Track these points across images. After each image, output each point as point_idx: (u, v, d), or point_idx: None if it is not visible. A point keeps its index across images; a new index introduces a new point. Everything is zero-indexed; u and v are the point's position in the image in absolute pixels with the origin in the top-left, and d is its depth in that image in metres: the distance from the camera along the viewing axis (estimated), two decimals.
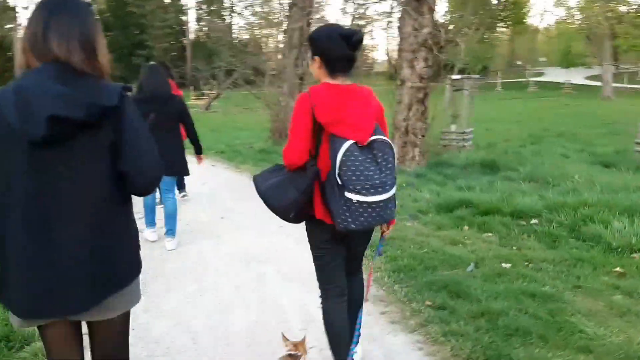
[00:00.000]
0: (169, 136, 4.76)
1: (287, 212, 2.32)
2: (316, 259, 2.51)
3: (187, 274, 4.27)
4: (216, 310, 3.59)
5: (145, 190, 1.73)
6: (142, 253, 1.83)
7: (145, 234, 5.19)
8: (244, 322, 3.41)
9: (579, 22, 46.62)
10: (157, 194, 5.55)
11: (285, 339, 2.61)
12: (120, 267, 1.70)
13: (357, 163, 2.10)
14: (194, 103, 35.93)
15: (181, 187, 7.13)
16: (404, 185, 7.55)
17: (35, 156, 1.54)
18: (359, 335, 2.52)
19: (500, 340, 3.02)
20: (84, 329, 1.83)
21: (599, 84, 41.72)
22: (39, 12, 1.61)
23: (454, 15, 61.44)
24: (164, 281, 4.07)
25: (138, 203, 2.54)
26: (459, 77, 13.19)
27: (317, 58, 2.31)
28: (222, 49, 36.42)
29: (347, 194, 2.11)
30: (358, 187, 2.08)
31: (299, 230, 2.65)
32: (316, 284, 2.58)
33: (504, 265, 4.25)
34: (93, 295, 1.63)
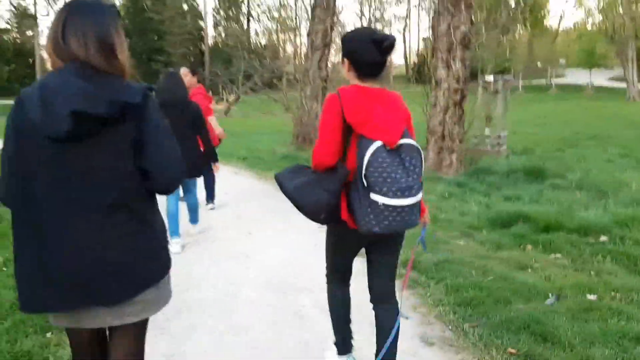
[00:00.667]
0: (184, 140, 4.55)
1: (318, 213, 2.27)
2: (331, 255, 2.57)
3: (215, 306, 3.67)
4: (252, 356, 2.98)
5: (166, 188, 1.74)
6: None
7: (170, 246, 4.75)
8: None
9: (600, 23, 45.46)
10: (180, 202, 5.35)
11: None
12: (146, 264, 1.70)
13: (384, 165, 2.07)
14: (212, 108, 35.50)
15: (210, 198, 6.72)
16: (446, 195, 6.90)
17: (57, 153, 1.56)
18: None
19: None
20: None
21: (622, 85, 40.53)
22: (59, 15, 1.65)
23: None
24: (188, 317, 3.47)
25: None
26: (491, 78, 12.49)
27: (346, 60, 2.30)
28: (240, 53, 36.33)
29: (373, 196, 2.08)
30: (384, 189, 2.06)
31: None
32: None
33: (588, 297, 3.58)
34: (119, 291, 1.64)
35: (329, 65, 13.09)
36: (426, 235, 2.60)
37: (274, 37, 61.68)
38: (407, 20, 63.54)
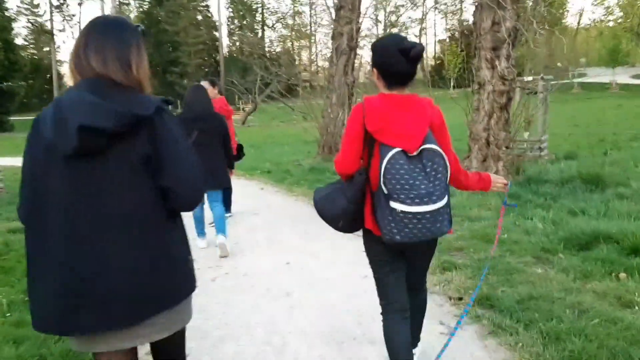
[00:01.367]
0: (211, 151, 4.88)
1: (336, 220, 2.30)
2: (373, 272, 2.48)
3: None
4: None
5: (186, 206, 1.67)
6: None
7: (197, 242, 5.45)
8: None
9: (621, 20, 44.21)
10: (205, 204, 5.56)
11: None
12: (166, 285, 1.63)
13: (402, 171, 2.05)
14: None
15: (226, 207, 6.42)
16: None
17: (71, 169, 1.54)
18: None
19: None
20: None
21: None
22: (83, 32, 1.67)
23: None
24: None
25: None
26: (530, 78, 11.71)
27: (375, 70, 2.28)
28: (256, 62, 35.97)
29: (392, 203, 2.06)
30: (402, 196, 2.04)
31: None
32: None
33: None
34: (133, 313, 1.58)
35: (355, 70, 12.40)
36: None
37: (289, 44, 61.71)
38: (424, 23, 62.84)
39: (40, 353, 3.06)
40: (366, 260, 2.47)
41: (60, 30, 63.51)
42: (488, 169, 7.99)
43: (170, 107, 1.68)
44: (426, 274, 2.61)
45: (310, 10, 63.07)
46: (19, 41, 58.21)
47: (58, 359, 3.00)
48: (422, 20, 61.92)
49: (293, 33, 61.49)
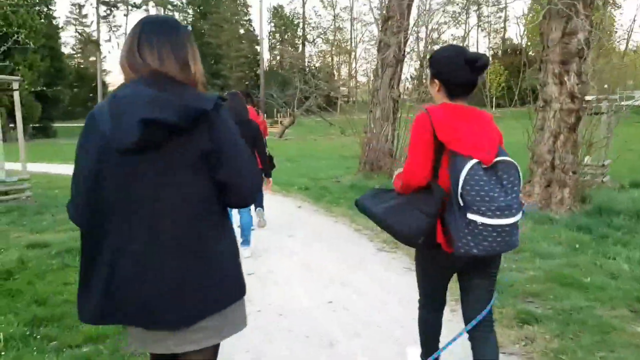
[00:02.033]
0: None
1: (417, 237, 2.14)
2: (419, 276, 2.47)
3: None
4: None
5: (244, 201, 1.68)
6: None
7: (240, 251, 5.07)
8: None
9: None
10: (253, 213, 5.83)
11: None
12: (216, 286, 1.60)
13: (481, 183, 1.99)
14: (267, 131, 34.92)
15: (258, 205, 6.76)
16: (576, 245, 5.30)
17: (128, 165, 1.52)
18: None
19: None
20: None
21: None
22: (134, 30, 1.66)
23: (533, 37, 58.62)
24: None
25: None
26: (593, 97, 10.78)
27: (437, 81, 2.23)
28: (296, 76, 35.78)
29: (471, 216, 1.99)
30: (483, 208, 1.97)
31: None
32: None
33: None
34: (184, 314, 1.56)
35: (401, 84, 11.70)
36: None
37: (329, 59, 61.65)
38: (466, 41, 61.81)
39: None
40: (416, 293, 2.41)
41: (106, 41, 65.03)
42: (552, 196, 7.16)
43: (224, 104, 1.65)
44: (492, 298, 2.33)
45: (351, 26, 62.94)
46: (67, 50, 60.10)
47: None
48: (464, 38, 60.97)
49: (333, 48, 61.39)
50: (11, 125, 27.12)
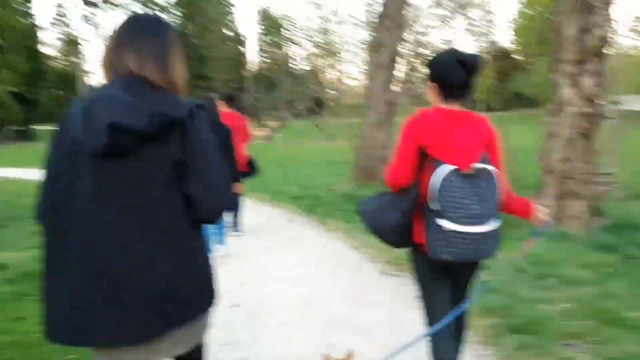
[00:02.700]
0: None
1: (389, 234, 2.25)
2: (421, 293, 2.39)
3: None
4: None
5: (209, 217, 1.60)
6: None
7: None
8: None
9: None
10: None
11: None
12: (191, 296, 1.56)
13: (455, 190, 2.02)
14: (254, 135, 34.27)
15: (234, 224, 6.47)
16: (607, 270, 4.69)
17: (97, 169, 1.47)
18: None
19: None
20: None
21: None
22: (119, 29, 1.62)
23: (519, 41, 58.50)
24: None
25: None
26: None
27: (434, 84, 2.26)
28: (283, 79, 35.19)
29: (440, 221, 2.04)
30: (454, 215, 2.01)
31: None
32: None
33: None
34: (154, 326, 1.49)
35: (396, 86, 11.08)
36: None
37: (317, 62, 61.02)
38: (454, 44, 61.53)
39: None
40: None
41: (87, 41, 63.79)
42: (565, 210, 6.56)
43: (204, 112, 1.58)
44: (468, 292, 2.45)
45: (339, 29, 62.40)
46: (52, 52, 58.83)
47: None
48: (450, 41, 60.61)
49: (321, 51, 60.83)
50: None
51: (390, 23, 10.26)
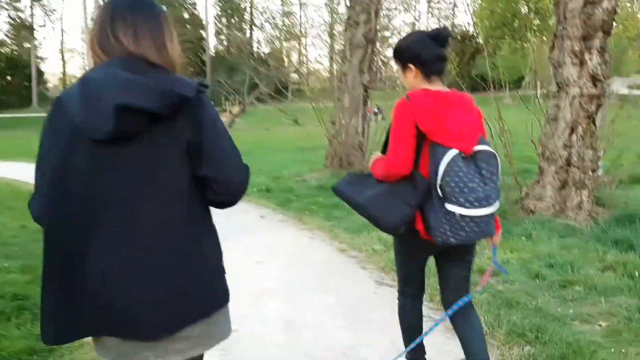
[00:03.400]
0: None
1: (399, 227, 2.16)
2: (400, 266, 2.49)
3: None
4: None
5: (229, 199, 1.49)
6: None
7: None
8: None
9: (621, 31, 42.92)
10: None
11: None
12: (202, 291, 1.45)
13: (461, 174, 2.01)
14: None
15: None
16: (636, 273, 4.08)
17: (101, 156, 1.36)
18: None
19: None
20: None
21: None
22: (105, 9, 1.52)
23: (484, 24, 58.64)
24: None
25: None
26: None
27: (410, 65, 2.24)
28: (245, 62, 34.02)
29: (449, 207, 2.01)
30: (462, 199, 1.99)
31: None
32: None
33: None
34: (167, 321, 1.39)
35: (373, 67, 10.33)
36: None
37: (278, 45, 59.64)
38: (416, 27, 61.18)
39: None
40: None
41: (41, 26, 60.81)
42: (567, 200, 5.98)
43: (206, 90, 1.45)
44: (469, 289, 2.43)
45: (300, 11, 61.27)
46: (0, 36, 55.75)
47: None
48: (414, 24, 60.28)
49: (282, 34, 59.49)
50: None
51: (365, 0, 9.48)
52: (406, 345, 2.51)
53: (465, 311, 2.37)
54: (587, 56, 5.72)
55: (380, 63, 15.13)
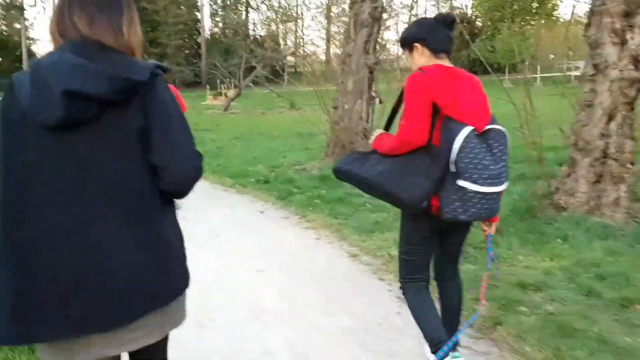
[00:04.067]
0: None
1: (421, 202, 2.09)
2: (406, 254, 2.40)
3: None
4: None
5: (179, 188, 1.44)
6: None
7: None
8: None
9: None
10: None
11: None
12: (160, 277, 1.41)
13: (475, 151, 2.02)
14: (210, 104, 32.39)
15: None
16: None
17: (52, 145, 1.33)
18: (456, 342, 2.35)
19: None
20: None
21: None
22: None
23: (482, 6, 57.58)
24: None
25: None
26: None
27: (417, 45, 2.26)
28: (241, 44, 33.14)
29: (462, 183, 2.02)
30: (475, 176, 2.01)
31: None
32: None
33: None
34: (121, 313, 1.35)
35: (377, 49, 9.61)
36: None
37: (274, 27, 58.45)
38: (414, 10, 59.95)
39: None
40: None
41: (31, 6, 59.28)
42: (602, 196, 5.34)
43: (164, 74, 1.44)
44: (460, 260, 2.55)
45: None
46: None
47: None
48: (411, 7, 59.07)
49: (279, 16, 58.35)
50: None
51: None
52: (428, 340, 2.34)
53: (456, 282, 2.57)
54: (628, 35, 5.03)
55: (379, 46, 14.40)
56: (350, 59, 9.25)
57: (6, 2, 56.72)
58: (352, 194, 6.37)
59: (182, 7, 57.54)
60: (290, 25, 59.20)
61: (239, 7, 63.14)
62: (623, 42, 5.08)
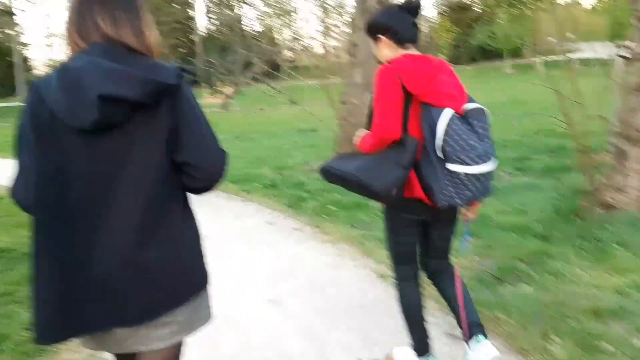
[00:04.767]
0: None
1: (390, 190, 2.10)
2: (395, 244, 2.43)
3: None
4: None
5: (206, 186, 1.49)
6: None
7: None
8: None
9: None
10: None
11: None
12: (184, 275, 1.44)
13: (460, 132, 2.02)
14: (208, 102, 31.76)
15: None
16: None
17: (84, 147, 1.36)
18: (478, 323, 2.36)
19: None
20: None
21: None
22: None
23: None
24: None
25: None
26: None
27: (380, 36, 2.26)
28: (237, 41, 32.50)
29: (452, 167, 2.03)
30: (463, 157, 2.01)
31: None
32: None
33: None
34: (142, 310, 1.38)
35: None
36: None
37: (270, 22, 57.67)
38: None
39: None
40: None
41: (22, 11, 58.62)
42: None
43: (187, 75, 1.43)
44: (450, 251, 2.51)
45: None
46: None
47: None
48: None
49: (274, 10, 57.64)
50: None
51: None
52: (412, 334, 2.45)
53: (449, 275, 2.46)
54: None
55: None
56: (357, 50, 8.63)
57: None
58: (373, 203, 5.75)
59: (175, 6, 56.91)
60: (286, 19, 58.61)
61: (232, 2, 62.47)
62: None
